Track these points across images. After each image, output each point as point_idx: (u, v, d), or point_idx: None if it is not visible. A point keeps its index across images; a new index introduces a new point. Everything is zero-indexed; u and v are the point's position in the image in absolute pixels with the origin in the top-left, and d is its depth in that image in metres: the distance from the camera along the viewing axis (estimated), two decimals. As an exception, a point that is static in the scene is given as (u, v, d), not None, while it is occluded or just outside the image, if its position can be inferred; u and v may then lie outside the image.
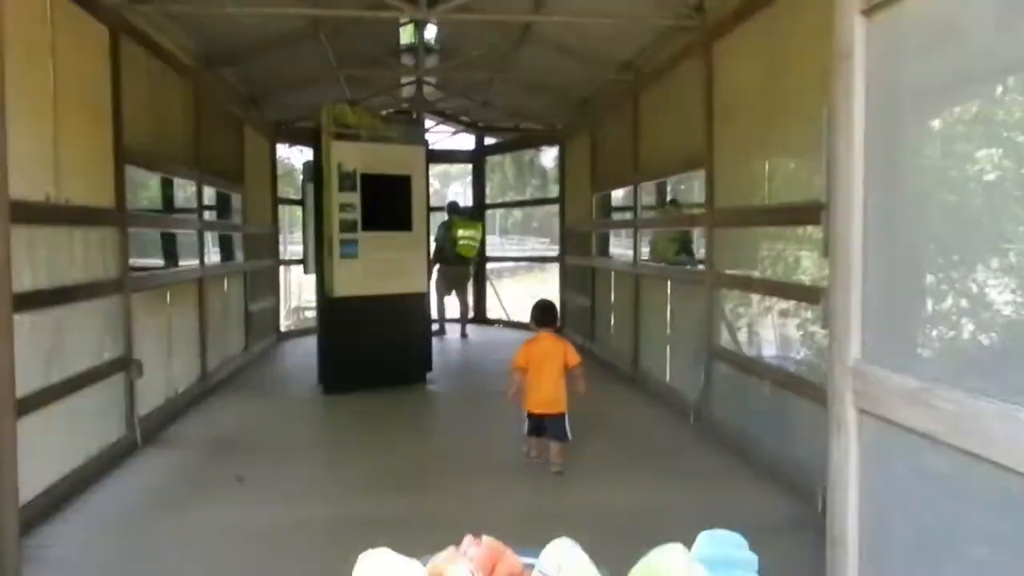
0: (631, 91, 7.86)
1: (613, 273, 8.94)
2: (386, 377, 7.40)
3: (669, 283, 6.99)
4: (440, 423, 6.46)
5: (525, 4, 6.68)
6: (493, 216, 18.57)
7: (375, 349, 7.31)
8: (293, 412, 6.63)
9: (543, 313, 5.25)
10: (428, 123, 12.38)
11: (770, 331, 5.19)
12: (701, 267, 6.55)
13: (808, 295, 4.37)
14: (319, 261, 7.21)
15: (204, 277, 7.40)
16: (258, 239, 10.03)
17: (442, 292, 10.98)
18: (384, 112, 9.53)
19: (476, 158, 13.40)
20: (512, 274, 18.30)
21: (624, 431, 6.06)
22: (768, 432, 4.98)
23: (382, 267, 7.39)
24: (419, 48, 8.54)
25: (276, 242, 11.09)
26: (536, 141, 12.88)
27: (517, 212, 25.49)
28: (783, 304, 4.91)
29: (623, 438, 5.87)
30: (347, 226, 7.17)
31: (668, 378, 6.95)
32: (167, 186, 7.17)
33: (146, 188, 6.65)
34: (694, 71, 6.17)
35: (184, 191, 7.54)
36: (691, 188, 6.97)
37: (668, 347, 7.05)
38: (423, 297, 7.82)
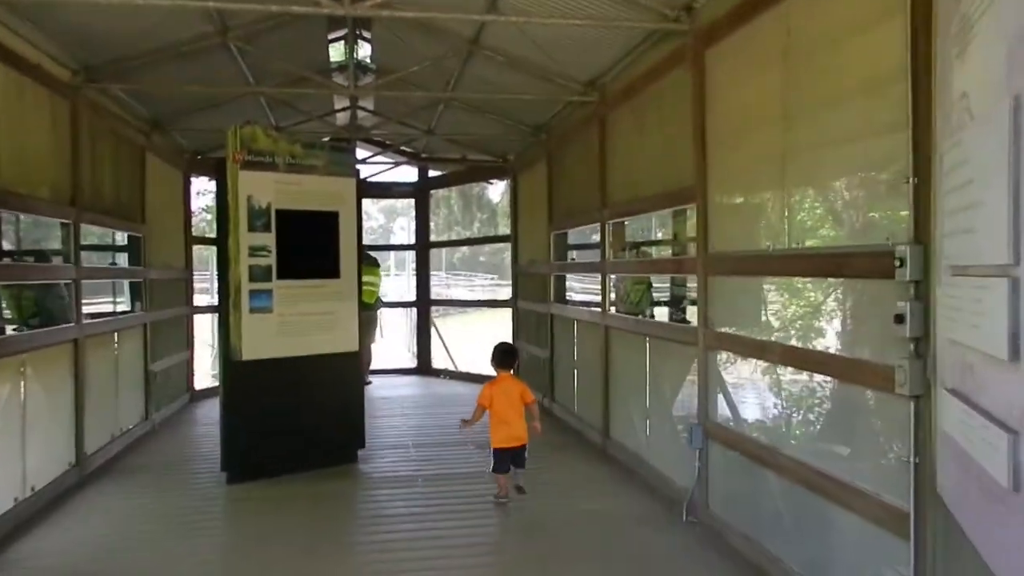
0: (597, 114, 6.78)
1: (576, 323, 7.78)
2: (308, 458, 6.09)
3: (648, 340, 5.84)
4: (379, 525, 5.11)
5: (475, 5, 5.55)
6: (439, 253, 17.39)
7: (294, 424, 6.01)
8: (185, 515, 5.20)
9: (504, 356, 5.65)
10: (365, 153, 11.18)
11: (795, 414, 4.07)
12: (690, 324, 5.44)
13: (865, 374, 3.24)
14: (222, 316, 5.88)
15: (81, 338, 6.01)
16: (166, 285, 8.64)
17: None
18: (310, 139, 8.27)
19: (419, 191, 12.21)
20: (459, 315, 17.07)
21: (595, 531, 4.82)
22: (792, 548, 3.82)
23: (303, 323, 6.10)
24: (350, 67, 7.34)
25: (189, 287, 9.68)
26: (485, 173, 11.74)
27: (464, 247, 24.35)
28: (819, 381, 3.78)
29: (594, 543, 4.62)
30: (259, 274, 5.87)
31: (649, 455, 5.77)
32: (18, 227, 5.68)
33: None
34: (680, 86, 5.10)
35: (50, 232, 6.16)
36: (668, 225, 5.88)
37: (648, 418, 5.88)
38: (354, 357, 6.53)
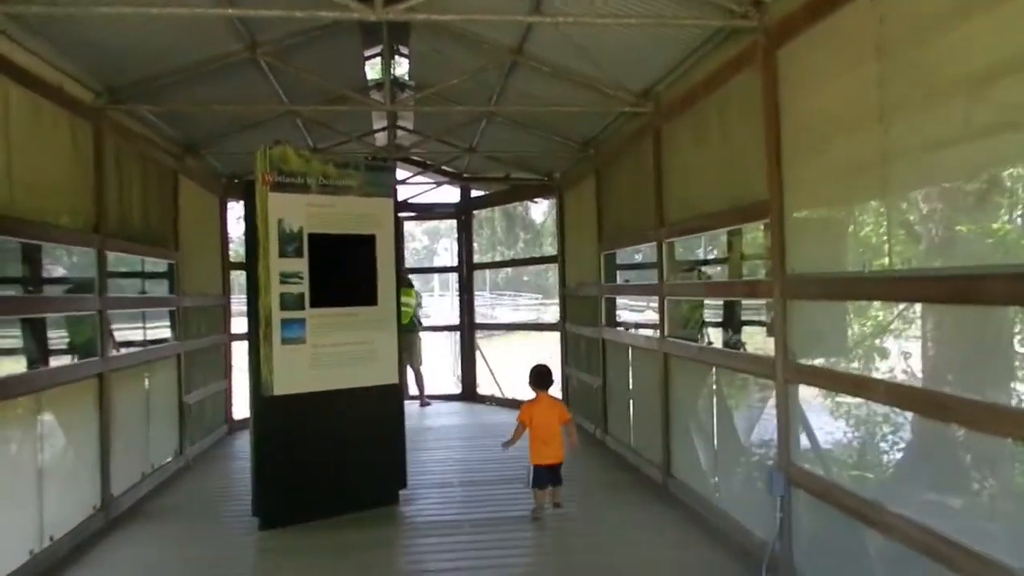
0: (651, 125, 6.28)
1: (631, 349, 7.25)
2: (346, 501, 5.65)
3: (715, 371, 5.30)
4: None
5: (518, 7, 5.11)
6: (482, 273, 16.98)
7: (330, 464, 5.59)
8: (212, 567, 4.81)
9: (541, 377, 5.86)
10: (405, 173, 10.82)
11: (906, 463, 3.49)
12: (761, 351, 4.88)
13: (1003, 422, 2.68)
14: (252, 348, 5.48)
15: (107, 371, 5.67)
16: (202, 312, 8.34)
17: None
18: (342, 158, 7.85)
19: (462, 212, 11.81)
20: (504, 337, 16.58)
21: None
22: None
23: (338, 354, 5.69)
24: (387, 84, 6.95)
25: (226, 314, 9.36)
26: (530, 192, 11.29)
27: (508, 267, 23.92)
28: (936, 425, 3.20)
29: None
30: (291, 302, 5.48)
31: (718, 500, 5.20)
32: (36, 256, 5.30)
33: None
34: (747, 91, 4.59)
35: (74, 260, 5.83)
36: (739, 242, 5.32)
37: (717, 457, 5.32)
38: (396, 390, 6.09)
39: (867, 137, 3.46)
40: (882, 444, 3.73)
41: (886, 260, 3.36)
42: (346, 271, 5.81)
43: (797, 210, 4.22)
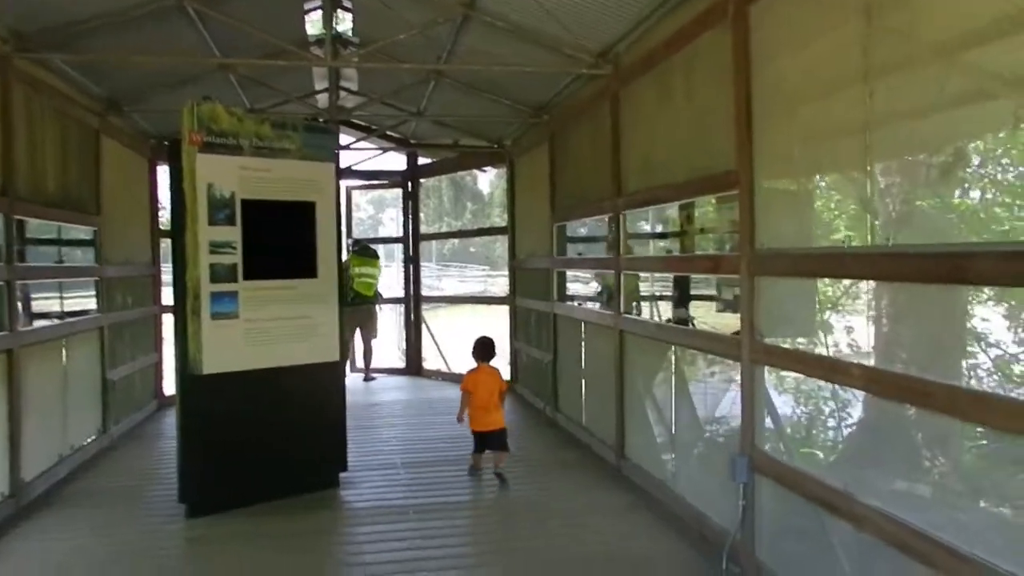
0: (609, 89, 5.96)
1: (585, 325, 6.98)
2: (282, 486, 5.30)
3: (675, 350, 5.06)
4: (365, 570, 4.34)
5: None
6: (428, 244, 16.52)
7: (264, 447, 5.22)
8: (133, 559, 4.42)
9: (485, 349, 6.09)
10: (348, 138, 10.32)
11: (883, 454, 3.28)
12: (709, 327, 4.66)
13: (995, 413, 2.46)
14: (179, 324, 5.05)
15: (16, 348, 5.18)
16: (129, 283, 7.81)
17: (345, 334, 9.79)
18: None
19: (408, 180, 11.36)
20: (451, 310, 16.21)
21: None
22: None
23: (274, 330, 5.30)
24: (328, 38, 6.47)
25: (156, 284, 8.81)
26: (479, 160, 10.88)
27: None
28: (918, 413, 2.99)
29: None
30: (222, 274, 5.06)
31: (676, 484, 4.99)
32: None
33: None
34: (715, 50, 4.30)
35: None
36: (703, 215, 5.04)
37: (675, 440, 5.10)
38: (336, 368, 5.72)
39: (849, 101, 3.20)
40: (852, 430, 3.52)
41: (868, 235, 3.12)
42: (283, 241, 5.40)
43: (768, 180, 3.96)
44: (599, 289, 11.91)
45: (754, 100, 3.98)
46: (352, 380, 10.62)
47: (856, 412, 3.49)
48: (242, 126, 5.11)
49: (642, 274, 6.06)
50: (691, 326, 5.11)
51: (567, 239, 7.79)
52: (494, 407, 5.85)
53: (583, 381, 7.05)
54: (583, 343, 7.02)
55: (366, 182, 11.76)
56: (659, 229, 5.94)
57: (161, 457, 6.57)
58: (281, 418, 5.29)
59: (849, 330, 3.53)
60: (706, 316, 5.37)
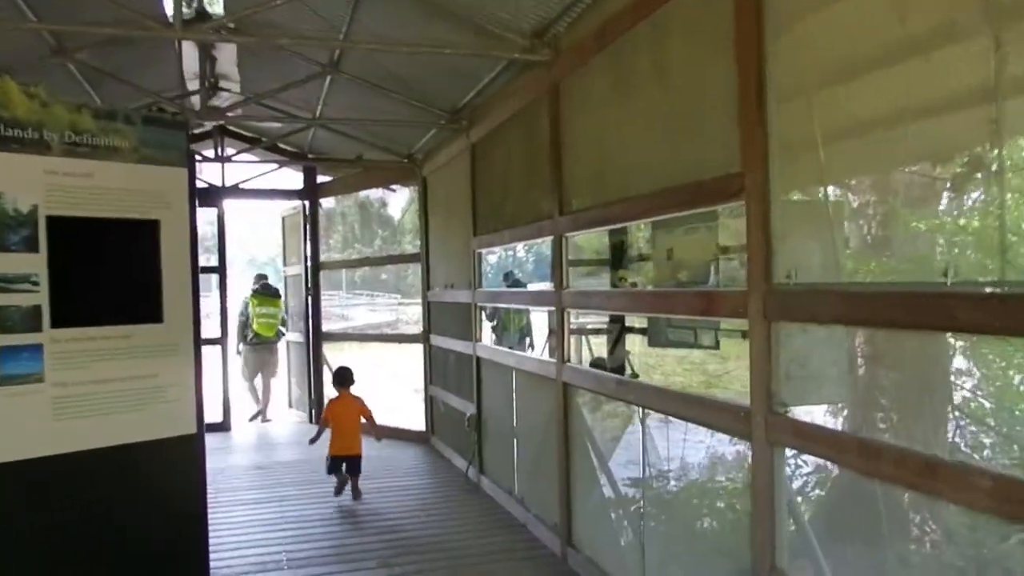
0: (547, 78, 4.77)
1: (515, 374, 5.71)
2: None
3: (643, 415, 3.83)
4: None
5: None
6: (339, 273, 14.99)
7: (85, 569, 3.71)
8: None
9: (341, 378, 6.53)
10: (231, 149, 8.85)
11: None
12: (735, 401, 3.48)
13: None
14: (-51, 394, 3.53)
15: None
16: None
17: (248, 376, 10.08)
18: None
19: (306, 199, 9.90)
20: (360, 344, 14.65)
21: None
22: None
23: (100, 397, 3.82)
24: (177, 4, 5.04)
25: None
26: (386, 177, 9.48)
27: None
28: None
29: None
30: (16, 319, 3.57)
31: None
32: None
33: None
34: (705, 10, 3.16)
35: None
36: (689, 236, 3.85)
37: (644, 537, 3.86)
38: (192, 444, 4.25)
39: (923, 72, 2.07)
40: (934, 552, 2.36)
41: (991, 264, 1.97)
42: (112, 273, 3.93)
43: (792, 185, 2.81)
44: (493, 324, 10.80)
45: (768, 75, 2.83)
46: (246, 430, 9.22)
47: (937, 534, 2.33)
48: (48, 113, 3.66)
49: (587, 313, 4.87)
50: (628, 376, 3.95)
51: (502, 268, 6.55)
52: (352, 432, 6.20)
53: (515, 441, 5.77)
54: (515, 394, 5.75)
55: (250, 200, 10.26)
56: (632, 253, 4.76)
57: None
58: (111, 522, 3.80)
59: (964, 411, 2.38)
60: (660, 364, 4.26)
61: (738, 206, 3.00)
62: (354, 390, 6.49)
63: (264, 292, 9.99)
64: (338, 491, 6.19)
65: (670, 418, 3.57)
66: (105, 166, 3.83)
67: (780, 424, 2.76)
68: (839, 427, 2.75)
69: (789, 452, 2.84)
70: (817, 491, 2.89)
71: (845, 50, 2.57)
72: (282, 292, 10.51)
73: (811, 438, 2.68)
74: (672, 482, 3.66)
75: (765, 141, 2.82)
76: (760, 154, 2.84)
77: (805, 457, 2.82)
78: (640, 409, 3.86)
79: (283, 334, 10.27)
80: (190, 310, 4.20)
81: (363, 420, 6.35)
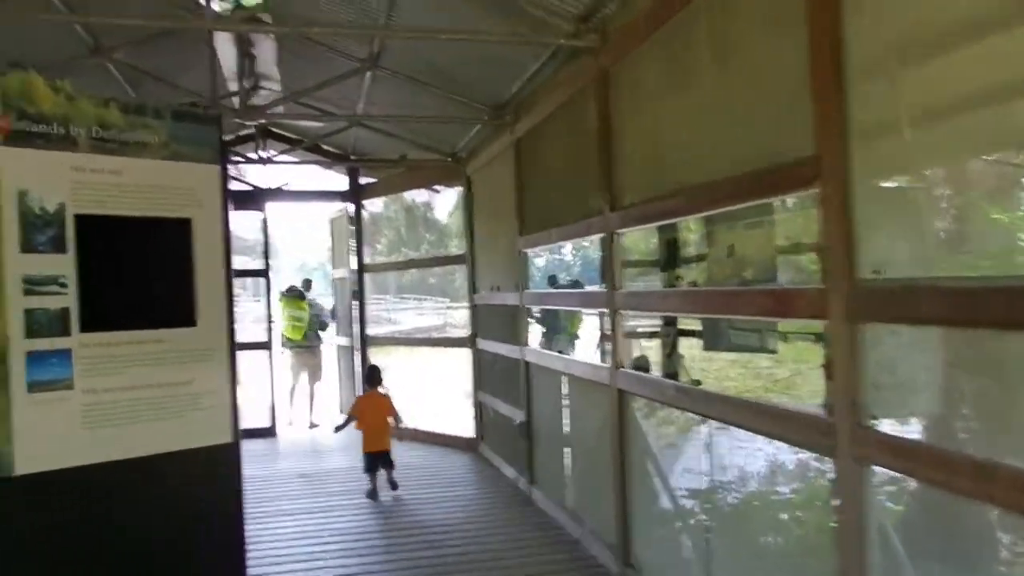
0: (596, 66, 4.49)
1: (566, 379, 5.44)
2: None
3: (709, 427, 3.52)
4: None
5: None
6: (386, 276, 14.89)
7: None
8: None
9: (372, 375, 6.83)
10: (274, 150, 8.75)
11: None
12: (814, 412, 3.15)
13: None
14: (-25, 402, 3.39)
15: None
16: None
17: (292, 380, 9.99)
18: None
19: (351, 202, 9.77)
20: (409, 349, 14.45)
21: None
22: None
23: (131, 404, 3.67)
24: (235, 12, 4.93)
25: None
26: (432, 176, 9.29)
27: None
28: None
29: None
30: (44, 323, 3.44)
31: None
32: None
33: None
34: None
35: None
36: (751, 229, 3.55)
37: (711, 548, 3.55)
38: (228, 453, 4.06)
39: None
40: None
41: None
42: (143, 275, 3.78)
43: (876, 169, 2.49)
44: (544, 330, 10.45)
45: (847, 47, 2.52)
46: (291, 435, 9.12)
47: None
48: (74, 108, 3.52)
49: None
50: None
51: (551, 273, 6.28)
52: (381, 430, 6.40)
53: (567, 451, 5.49)
54: (566, 401, 5.47)
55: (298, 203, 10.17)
56: (686, 252, 4.45)
57: None
58: (141, 536, 3.64)
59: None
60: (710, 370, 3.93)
61: (812, 194, 2.69)
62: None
63: (289, 294, 9.93)
64: (371, 494, 6.29)
65: (742, 429, 3.25)
66: (134, 162, 3.69)
67: (869, 439, 2.44)
68: (937, 442, 2.41)
69: (879, 472, 2.52)
70: (912, 514, 2.56)
71: (936, 17, 2.25)
72: (330, 295, 10.48)
73: (908, 456, 2.35)
74: (742, 498, 3.35)
75: (844, 121, 2.51)
76: (838, 135, 2.52)
77: (894, 474, 2.49)
78: (705, 420, 3.55)
79: (317, 337, 10.08)
80: (224, 313, 4.03)
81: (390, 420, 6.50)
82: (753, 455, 3.30)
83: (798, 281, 3.48)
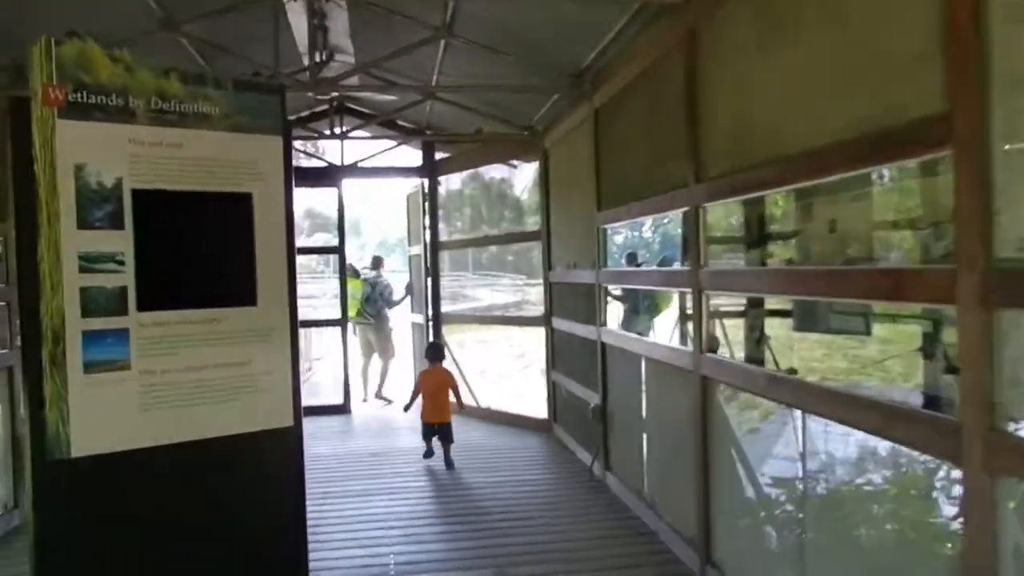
0: (681, 25, 4.12)
1: (645, 362, 5.13)
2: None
3: (807, 420, 3.17)
4: None
5: None
6: (464, 253, 14.72)
7: (172, 567, 3.45)
8: None
9: (434, 351, 7.30)
10: (348, 127, 8.63)
11: None
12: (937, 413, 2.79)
13: None
14: (32, 380, 3.29)
15: None
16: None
17: (363, 357, 10.19)
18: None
19: (425, 177, 9.61)
20: (481, 327, 14.30)
21: None
22: None
23: (189, 386, 3.54)
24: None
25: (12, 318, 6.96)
26: (507, 151, 9.01)
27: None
28: None
29: None
30: (101, 302, 3.32)
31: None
32: None
33: None
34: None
35: None
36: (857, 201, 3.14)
37: (804, 553, 3.21)
38: (289, 437, 3.91)
39: None
40: None
41: None
42: (202, 252, 3.63)
43: (1021, 130, 2.10)
44: (626, 307, 10.04)
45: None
46: (364, 412, 9.10)
47: None
48: (133, 79, 3.37)
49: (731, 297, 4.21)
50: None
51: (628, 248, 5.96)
52: (443, 403, 6.78)
53: (645, 436, 5.19)
54: (644, 386, 5.17)
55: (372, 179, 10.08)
56: (771, 228, 4.07)
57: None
58: (200, 521, 3.52)
59: None
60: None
61: (940, 158, 2.31)
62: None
63: (349, 272, 9.83)
64: (426, 455, 6.73)
65: (845, 424, 2.88)
66: (194, 134, 3.52)
67: (1007, 446, 2.08)
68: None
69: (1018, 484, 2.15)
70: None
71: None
72: (406, 271, 10.49)
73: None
74: (841, 500, 3.00)
75: (984, 69, 2.12)
76: (975, 89, 2.14)
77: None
78: (798, 414, 3.20)
79: (379, 314, 9.99)
80: (286, 292, 3.86)
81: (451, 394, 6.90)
82: (859, 451, 2.94)
83: (911, 260, 3.08)
